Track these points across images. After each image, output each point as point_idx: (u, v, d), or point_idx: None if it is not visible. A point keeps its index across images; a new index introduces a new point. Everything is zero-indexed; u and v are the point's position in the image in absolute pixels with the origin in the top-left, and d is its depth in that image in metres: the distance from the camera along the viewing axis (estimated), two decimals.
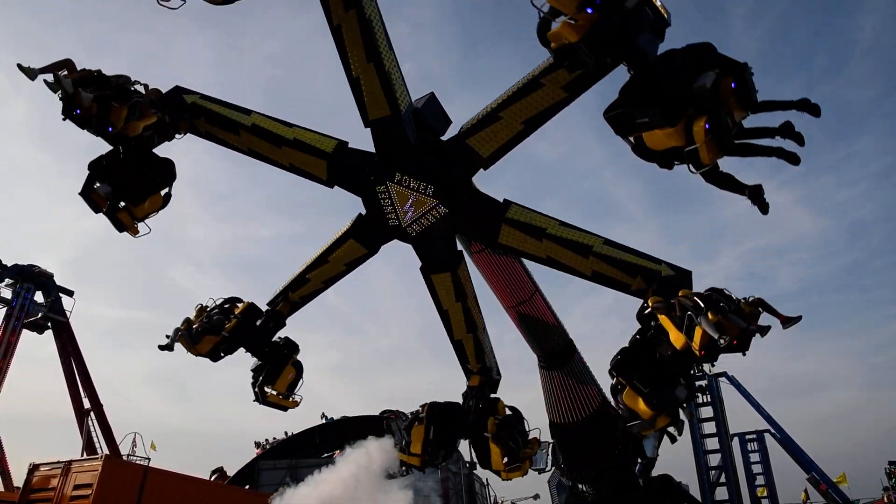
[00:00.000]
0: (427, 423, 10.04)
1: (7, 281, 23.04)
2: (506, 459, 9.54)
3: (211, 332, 10.05)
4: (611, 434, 10.35)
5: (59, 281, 24.37)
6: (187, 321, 10.28)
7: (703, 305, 6.80)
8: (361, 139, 9.29)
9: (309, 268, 10.49)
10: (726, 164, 6.48)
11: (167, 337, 10.27)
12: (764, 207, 6.38)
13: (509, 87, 8.23)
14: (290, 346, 10.85)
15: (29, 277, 23.25)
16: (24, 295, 22.92)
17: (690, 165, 6.16)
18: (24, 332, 22.92)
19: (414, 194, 9.15)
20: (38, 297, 23.57)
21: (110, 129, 8.70)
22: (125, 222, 9.38)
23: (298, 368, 10.90)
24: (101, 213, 9.26)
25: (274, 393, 10.58)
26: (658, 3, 5.80)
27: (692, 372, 7.50)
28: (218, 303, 10.49)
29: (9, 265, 23.06)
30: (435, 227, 9.28)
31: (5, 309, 22.60)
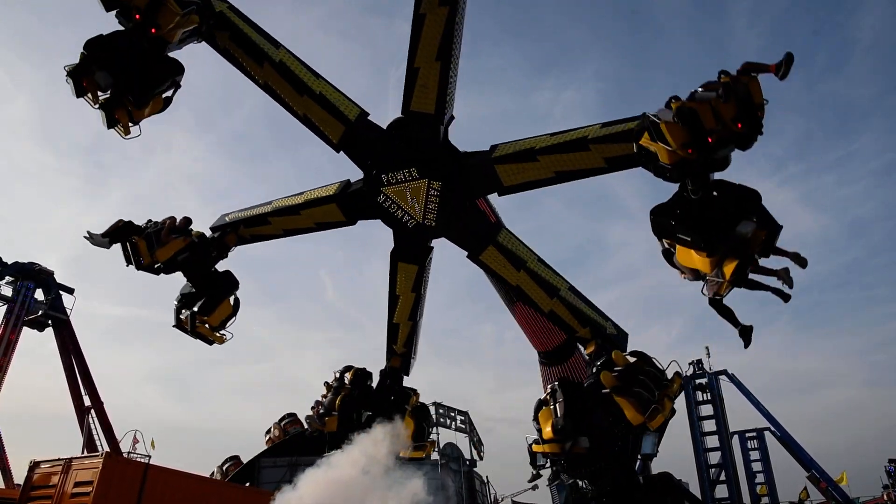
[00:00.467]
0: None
1: (7, 279, 23.10)
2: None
3: (154, 245, 10.06)
4: (611, 430, 10.39)
5: (59, 279, 24.46)
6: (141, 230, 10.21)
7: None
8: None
9: (275, 212, 10.39)
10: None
11: (93, 240, 10.08)
12: (747, 343, 7.29)
13: (552, 130, 8.66)
14: (231, 282, 10.73)
15: (29, 275, 23.30)
16: (25, 293, 22.97)
17: (706, 289, 7.13)
18: (25, 329, 22.98)
19: (406, 185, 9.37)
20: (39, 294, 23.63)
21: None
22: (121, 121, 8.71)
23: (236, 306, 10.81)
24: (82, 99, 8.55)
25: (206, 326, 10.53)
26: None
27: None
28: (166, 224, 10.26)
29: (9, 263, 23.12)
30: (443, 203, 9.36)
31: (6, 306, 22.66)
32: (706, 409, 33.25)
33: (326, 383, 11.87)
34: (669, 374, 9.03)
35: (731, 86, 6.34)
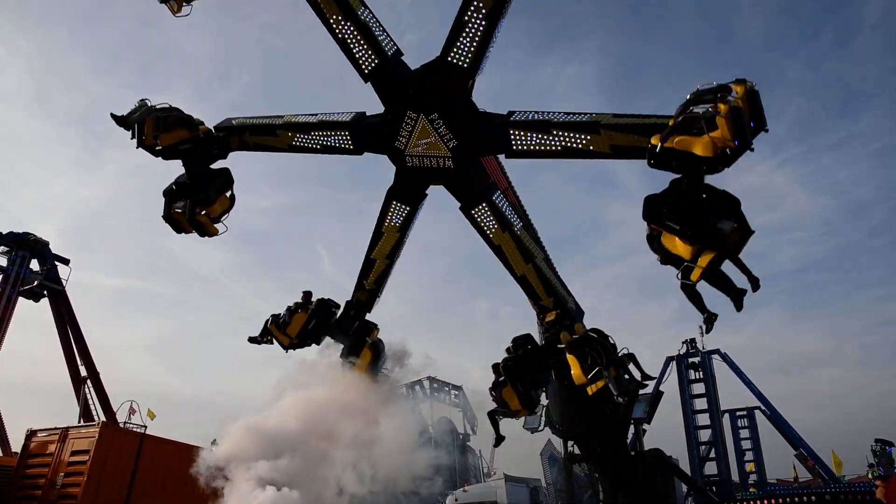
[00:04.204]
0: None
1: (2, 248, 22.96)
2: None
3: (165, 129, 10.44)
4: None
5: (56, 249, 24.30)
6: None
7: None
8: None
9: (285, 126, 10.85)
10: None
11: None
12: (709, 329, 8.44)
13: (562, 108, 9.71)
14: (227, 179, 11.21)
15: (24, 245, 23.12)
16: (20, 263, 22.85)
17: (680, 273, 7.96)
18: (21, 299, 22.91)
19: (423, 129, 9.78)
20: (34, 265, 23.51)
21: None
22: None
23: (232, 200, 11.29)
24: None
25: (203, 214, 10.96)
26: None
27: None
28: (174, 113, 10.64)
29: (4, 233, 22.97)
30: (453, 154, 9.83)
31: (1, 276, 22.58)
32: (698, 388, 33.56)
33: (288, 307, 12.00)
34: (619, 353, 9.73)
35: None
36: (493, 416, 10.85)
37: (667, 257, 8.12)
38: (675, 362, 34.02)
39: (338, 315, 11.80)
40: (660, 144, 7.40)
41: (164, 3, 10.37)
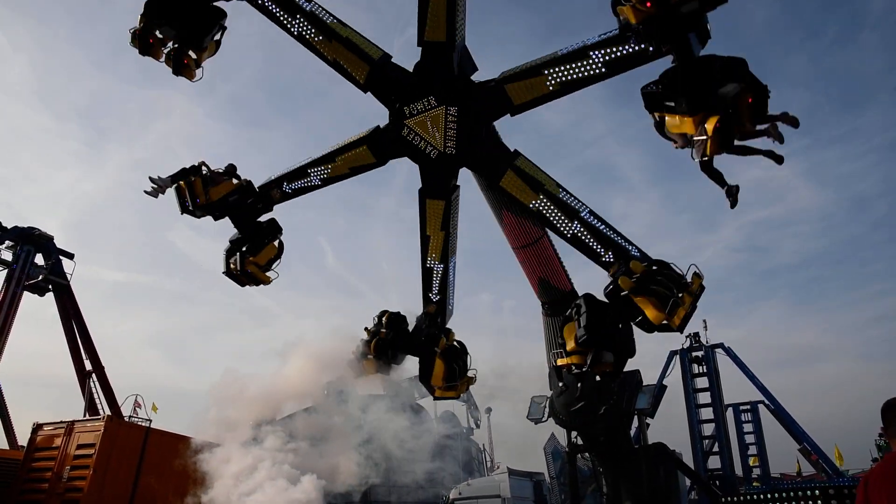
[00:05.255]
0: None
1: (7, 243, 23.02)
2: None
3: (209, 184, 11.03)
4: (607, 382, 10.71)
5: (60, 243, 24.35)
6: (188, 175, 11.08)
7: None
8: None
9: (313, 163, 11.13)
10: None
11: (157, 182, 10.86)
12: (733, 203, 7.45)
13: (543, 53, 9.27)
14: (274, 228, 11.61)
15: (29, 240, 23.18)
16: (25, 257, 22.91)
17: (694, 152, 7.20)
18: (26, 294, 22.98)
19: (426, 115, 10.00)
20: (39, 259, 23.56)
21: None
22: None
23: (280, 248, 11.69)
24: (147, 56, 10.25)
25: (253, 264, 11.30)
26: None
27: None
28: (218, 170, 11.28)
29: (9, 227, 23.02)
30: (461, 129, 9.93)
31: (6, 271, 22.65)
32: (702, 382, 33.57)
33: (366, 328, 12.26)
34: (689, 278, 8.93)
35: None
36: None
37: (680, 139, 7.49)
38: (678, 356, 33.99)
39: (410, 330, 11.81)
40: (618, 21, 7.39)
41: (180, 75, 10.52)
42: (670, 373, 33.72)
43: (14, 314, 22.28)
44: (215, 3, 10.42)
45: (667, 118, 7.47)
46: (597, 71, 8.73)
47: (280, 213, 11.78)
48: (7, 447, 22.19)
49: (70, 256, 24.50)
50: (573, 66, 8.85)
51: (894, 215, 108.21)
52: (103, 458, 12.77)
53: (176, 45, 10.21)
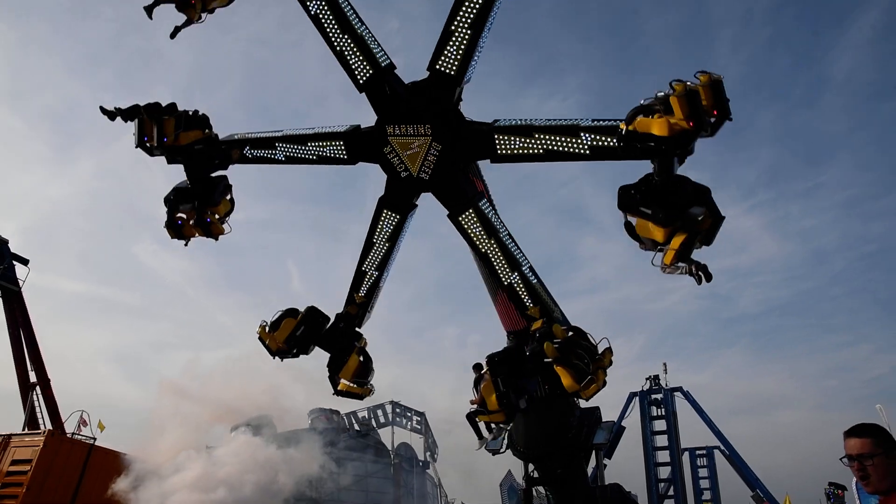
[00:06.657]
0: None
1: None
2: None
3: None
4: (566, 416, 10.94)
5: (15, 248, 23.53)
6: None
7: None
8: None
9: (283, 139, 11.26)
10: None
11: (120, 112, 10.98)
12: (700, 281, 8.11)
13: (542, 117, 9.83)
14: (226, 184, 11.53)
15: None
16: None
17: (658, 258, 8.25)
18: None
19: (413, 139, 10.24)
20: None
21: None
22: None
23: (233, 204, 11.67)
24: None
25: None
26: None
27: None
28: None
29: None
30: (440, 162, 10.25)
31: None
32: (660, 425, 33.84)
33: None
34: (601, 350, 9.48)
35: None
36: (472, 418, 10.43)
37: (646, 243, 8.37)
38: (637, 398, 34.27)
39: (327, 327, 11.46)
40: (625, 128, 7.94)
41: (183, 11, 10.66)
42: (629, 414, 33.97)
43: None
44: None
45: (639, 222, 8.28)
46: (581, 151, 9.15)
47: (249, 234, 11.66)
48: None
49: (24, 262, 23.64)
50: (562, 139, 9.26)
51: (851, 271, 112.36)
52: (39, 475, 12.18)
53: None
